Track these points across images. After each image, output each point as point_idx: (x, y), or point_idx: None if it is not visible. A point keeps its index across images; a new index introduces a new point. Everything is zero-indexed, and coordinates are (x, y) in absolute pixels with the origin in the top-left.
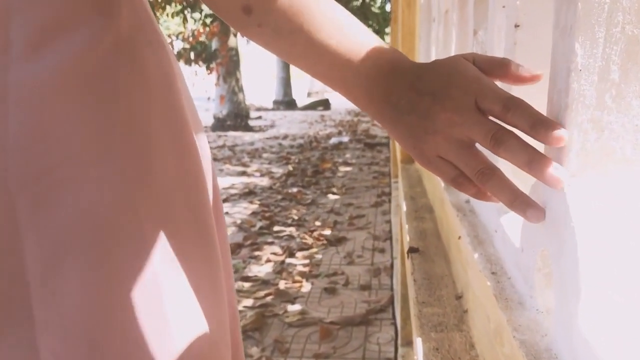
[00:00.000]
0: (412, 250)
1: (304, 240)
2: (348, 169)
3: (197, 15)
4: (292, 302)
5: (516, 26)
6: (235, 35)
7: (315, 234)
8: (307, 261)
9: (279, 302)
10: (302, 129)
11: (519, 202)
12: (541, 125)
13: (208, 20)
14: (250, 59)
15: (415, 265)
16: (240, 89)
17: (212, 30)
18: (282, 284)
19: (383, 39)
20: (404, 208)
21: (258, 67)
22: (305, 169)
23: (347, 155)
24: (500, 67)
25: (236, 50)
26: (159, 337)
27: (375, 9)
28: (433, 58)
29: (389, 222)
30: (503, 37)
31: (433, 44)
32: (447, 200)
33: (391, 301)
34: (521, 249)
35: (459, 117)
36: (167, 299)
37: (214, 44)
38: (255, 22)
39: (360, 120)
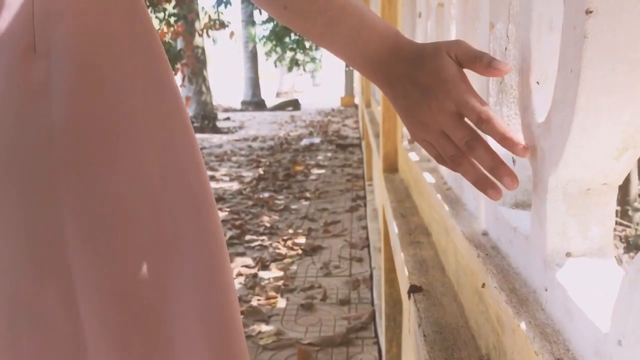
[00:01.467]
0: (414, 289)
1: (277, 250)
2: (321, 171)
3: (160, 14)
4: (266, 322)
5: (588, 12)
6: (201, 35)
7: (289, 242)
8: (281, 273)
9: (252, 321)
10: (272, 130)
11: (498, 169)
12: (507, 140)
13: (172, 20)
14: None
15: (422, 312)
16: (208, 90)
17: (176, 30)
18: (254, 301)
19: None
20: (395, 230)
21: (226, 67)
22: (276, 173)
23: (319, 157)
24: (477, 62)
25: (202, 50)
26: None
27: None
28: None
29: (365, 228)
30: (547, 29)
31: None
32: (458, 231)
33: (372, 317)
34: (617, 340)
35: (441, 118)
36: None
37: (179, 44)
38: (282, 4)
39: (330, 120)
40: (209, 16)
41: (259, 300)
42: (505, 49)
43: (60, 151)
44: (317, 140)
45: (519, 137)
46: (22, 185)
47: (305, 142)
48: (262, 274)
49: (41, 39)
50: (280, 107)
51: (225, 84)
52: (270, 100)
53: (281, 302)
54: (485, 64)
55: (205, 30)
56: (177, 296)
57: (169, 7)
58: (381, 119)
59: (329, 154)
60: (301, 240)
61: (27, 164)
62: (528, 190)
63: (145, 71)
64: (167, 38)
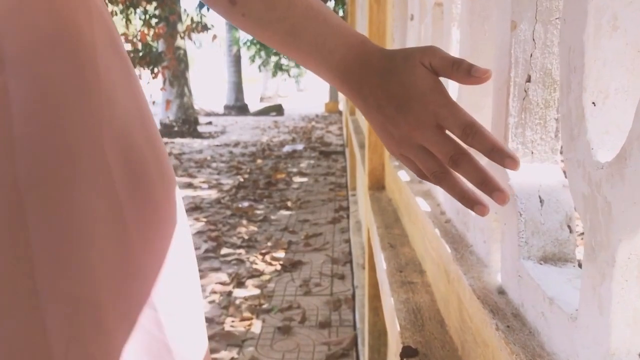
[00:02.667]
0: (408, 353)
1: (254, 265)
2: (303, 179)
3: (141, 15)
4: (240, 346)
5: None
6: (182, 38)
7: (268, 257)
8: (257, 291)
9: (225, 346)
10: (254, 136)
11: (487, 184)
12: (497, 152)
13: (153, 22)
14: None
15: None
16: (189, 93)
17: (157, 32)
18: (228, 323)
19: None
20: (384, 265)
21: (209, 71)
22: (257, 180)
23: (302, 165)
24: (454, 69)
25: (184, 53)
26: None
27: None
28: None
29: (347, 241)
30: (610, 29)
31: None
32: (465, 284)
33: (354, 343)
34: None
35: (421, 133)
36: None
37: (160, 46)
38: (240, 12)
39: (314, 126)
40: (192, 18)
41: (232, 321)
42: (531, 55)
43: (22, 167)
44: (300, 146)
45: (508, 148)
46: None
47: (287, 148)
48: (238, 291)
49: None
50: (264, 112)
51: (209, 88)
52: (254, 105)
53: (257, 325)
54: (463, 71)
55: (187, 33)
56: (137, 317)
57: (150, 8)
58: (367, 131)
59: (312, 162)
60: (280, 254)
61: None
62: (560, 240)
63: (111, 76)
64: (149, 39)
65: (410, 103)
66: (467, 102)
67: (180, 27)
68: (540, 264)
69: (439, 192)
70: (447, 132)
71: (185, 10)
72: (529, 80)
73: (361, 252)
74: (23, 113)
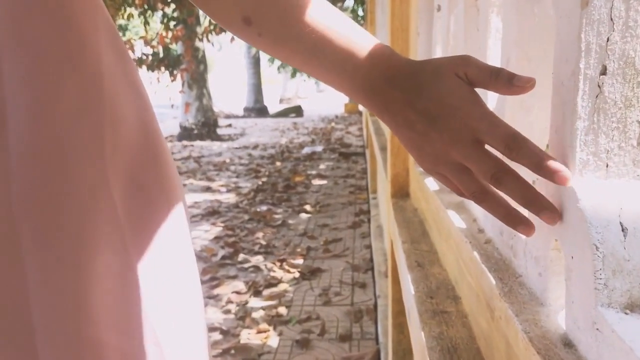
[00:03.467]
0: None
1: (272, 273)
2: (322, 182)
3: (160, 17)
4: None
5: None
6: (201, 40)
7: (286, 264)
8: (275, 301)
9: None
10: (273, 138)
11: (535, 203)
12: (546, 166)
13: (172, 24)
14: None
15: None
16: (208, 96)
17: (175, 35)
18: (244, 335)
19: None
20: (411, 289)
21: (229, 73)
22: (275, 183)
23: (321, 167)
24: (492, 79)
25: (203, 54)
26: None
27: (347, 14)
28: None
29: (369, 247)
30: None
31: (439, 44)
32: (516, 328)
33: (377, 358)
34: None
35: (457, 151)
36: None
37: (179, 49)
38: (256, 31)
39: (334, 127)
40: (209, 20)
41: (249, 333)
42: (607, 40)
43: (17, 190)
44: (319, 148)
45: (557, 162)
46: None
47: (307, 150)
48: (254, 301)
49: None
50: (283, 113)
51: (229, 90)
52: (273, 107)
53: (274, 337)
54: (504, 80)
55: (205, 35)
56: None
57: (169, 11)
58: (389, 134)
59: (331, 163)
60: (299, 261)
61: None
62: None
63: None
64: (167, 42)
65: (444, 117)
66: (510, 103)
67: (199, 29)
68: (626, 313)
69: (475, 206)
70: (487, 147)
71: None
72: (604, 72)
73: (383, 259)
74: (21, 129)
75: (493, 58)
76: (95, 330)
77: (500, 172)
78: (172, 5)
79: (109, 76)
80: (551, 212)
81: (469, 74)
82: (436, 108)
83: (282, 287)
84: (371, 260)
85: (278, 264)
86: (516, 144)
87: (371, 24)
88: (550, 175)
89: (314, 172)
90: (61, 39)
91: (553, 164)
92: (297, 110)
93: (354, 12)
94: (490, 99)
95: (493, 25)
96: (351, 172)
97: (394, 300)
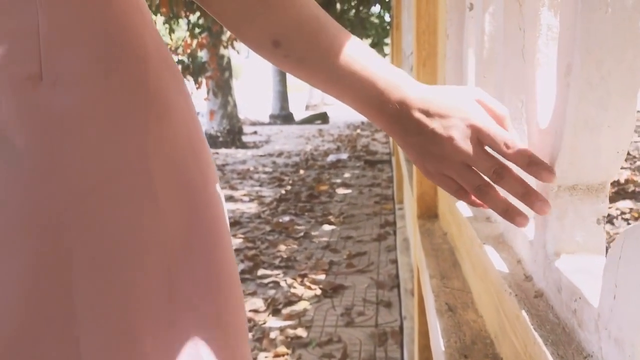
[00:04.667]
0: None
1: (292, 289)
2: (347, 191)
3: (184, 25)
4: None
5: None
6: (226, 47)
7: (307, 280)
8: (294, 322)
9: None
10: (298, 145)
11: (530, 196)
12: (536, 164)
13: (196, 31)
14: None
15: None
16: (234, 103)
17: (200, 42)
18: (261, 359)
19: (382, 50)
20: (440, 343)
21: (256, 80)
22: (299, 193)
23: (346, 175)
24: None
25: (228, 62)
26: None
27: (373, 19)
28: (471, 66)
29: (394, 262)
30: None
31: (472, 47)
32: None
33: None
34: None
35: (464, 149)
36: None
37: (204, 56)
38: (283, 53)
39: (359, 134)
40: None
41: (266, 357)
42: None
43: (66, 182)
44: (344, 156)
45: (545, 162)
46: (27, 219)
47: (331, 158)
48: (272, 321)
49: (48, 67)
50: (309, 120)
51: (256, 98)
52: (299, 114)
53: None
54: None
55: (230, 42)
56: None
57: (193, 18)
58: None
59: (357, 172)
60: (320, 276)
61: (33, 195)
62: None
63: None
64: (192, 50)
65: (454, 119)
66: (571, 118)
67: (224, 37)
68: None
69: (519, 244)
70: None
71: None
72: None
73: (409, 276)
74: (66, 131)
75: (545, 63)
76: (137, 324)
77: (501, 168)
78: (197, 13)
79: (155, 70)
80: (544, 203)
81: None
82: (446, 110)
83: (303, 305)
84: (397, 276)
85: (299, 279)
86: (512, 143)
87: (397, 28)
88: (538, 172)
89: (338, 181)
90: (109, 40)
91: (542, 162)
92: (323, 117)
93: (380, 17)
94: (542, 114)
95: (544, 22)
96: (377, 180)
97: (420, 322)
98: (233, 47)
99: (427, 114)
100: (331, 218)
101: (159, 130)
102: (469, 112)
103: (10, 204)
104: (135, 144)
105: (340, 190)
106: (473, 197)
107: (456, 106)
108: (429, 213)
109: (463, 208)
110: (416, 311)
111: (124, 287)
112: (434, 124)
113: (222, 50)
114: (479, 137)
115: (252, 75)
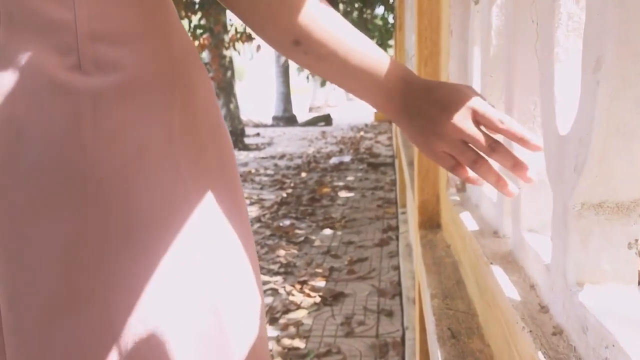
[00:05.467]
0: None
1: (290, 297)
2: (349, 194)
3: (185, 25)
4: None
5: None
6: (227, 49)
7: (306, 287)
8: (292, 331)
9: None
10: (301, 147)
11: (519, 166)
12: (524, 140)
13: (198, 32)
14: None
15: None
16: (236, 105)
17: (202, 43)
18: None
19: (386, 52)
20: None
21: (260, 82)
22: (300, 196)
23: (349, 178)
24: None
25: (231, 63)
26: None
27: (377, 21)
28: (476, 64)
29: (397, 268)
30: None
31: (477, 44)
32: None
33: None
34: None
35: (463, 128)
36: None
37: (205, 57)
38: (302, 50)
39: (363, 137)
40: (236, 29)
41: None
42: None
43: (100, 168)
44: (347, 158)
45: (532, 135)
46: (67, 198)
47: (334, 160)
48: (270, 330)
49: (86, 58)
50: (312, 122)
51: (259, 99)
52: (303, 115)
53: None
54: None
55: (232, 43)
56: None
57: (195, 19)
58: (416, 154)
59: (360, 174)
60: (320, 283)
61: (74, 174)
62: None
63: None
64: None
65: (454, 103)
66: (602, 124)
67: (226, 38)
68: None
69: (532, 266)
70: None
71: (230, 19)
72: None
73: (412, 283)
74: (94, 114)
75: (565, 58)
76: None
77: (495, 143)
78: (199, 14)
79: (181, 58)
80: (529, 172)
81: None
82: (448, 95)
83: (301, 313)
84: (399, 283)
85: (298, 286)
86: (507, 121)
87: (400, 29)
88: (527, 144)
89: (340, 184)
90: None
91: (530, 135)
92: (326, 119)
93: (383, 19)
94: (562, 118)
95: (564, 9)
96: (379, 183)
97: (421, 335)
98: (235, 48)
99: (429, 99)
100: (333, 222)
101: (184, 118)
102: (467, 96)
103: (54, 172)
104: (161, 130)
105: (343, 194)
106: (468, 174)
107: (456, 91)
108: (431, 222)
109: (468, 221)
110: (417, 323)
111: (152, 258)
112: (436, 107)
113: (225, 52)
114: (475, 118)
115: (257, 76)
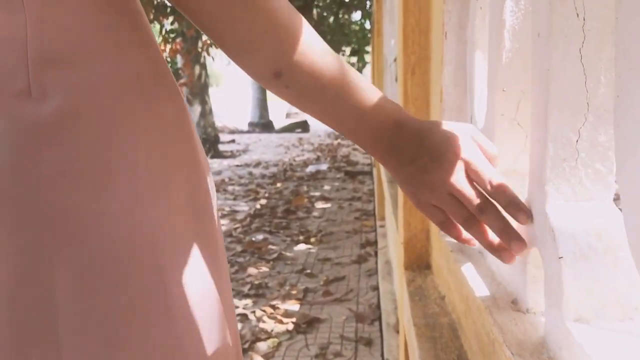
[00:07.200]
0: None
1: (261, 324)
2: (326, 205)
3: (156, 30)
4: None
5: None
6: (200, 53)
7: (279, 312)
8: None
9: None
10: (277, 155)
11: (506, 235)
12: (514, 207)
13: (170, 37)
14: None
15: None
16: (209, 111)
17: (174, 48)
18: None
19: (363, 58)
20: None
21: (237, 87)
22: (275, 207)
23: (326, 188)
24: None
25: (205, 69)
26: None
27: (354, 26)
28: (479, 75)
29: (376, 289)
30: None
31: (479, 47)
32: None
33: None
34: None
35: (454, 182)
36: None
37: (178, 62)
38: (283, 84)
39: (340, 144)
40: None
41: None
42: None
43: (51, 198)
44: (324, 166)
45: (524, 204)
46: (11, 232)
47: (311, 168)
48: None
49: (36, 82)
50: (289, 128)
51: (236, 105)
52: (279, 122)
53: None
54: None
55: (205, 48)
56: None
57: (167, 23)
58: None
59: (337, 184)
60: (294, 307)
61: (19, 209)
62: None
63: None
64: (165, 56)
65: (445, 153)
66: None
67: (200, 42)
68: None
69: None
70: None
71: None
72: None
73: (392, 307)
74: (58, 143)
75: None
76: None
77: (485, 203)
78: (171, 18)
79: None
80: (520, 242)
81: (475, 136)
82: (439, 144)
83: (272, 342)
84: (378, 306)
85: (270, 310)
86: (494, 186)
87: (378, 34)
88: (516, 213)
89: (317, 194)
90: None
91: (521, 203)
92: (303, 126)
93: (360, 25)
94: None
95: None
96: (357, 194)
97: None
98: (208, 54)
99: (421, 145)
100: (308, 237)
101: (148, 145)
102: (462, 147)
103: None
104: (121, 157)
105: (319, 205)
106: (458, 232)
107: (450, 139)
108: (419, 263)
109: (471, 276)
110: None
111: (105, 291)
112: (427, 155)
113: (198, 56)
114: (467, 172)
115: (234, 82)
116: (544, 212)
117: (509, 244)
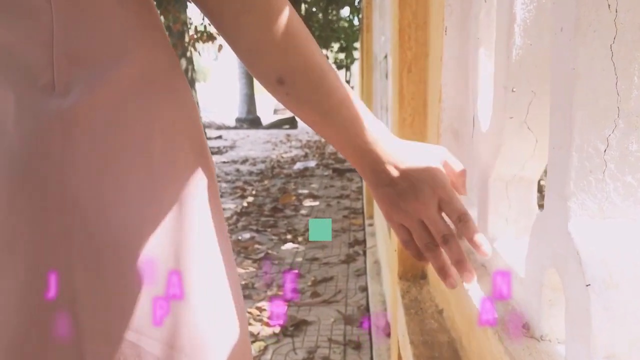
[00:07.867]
0: None
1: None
2: (314, 203)
3: None
4: None
5: None
6: (187, 48)
7: (266, 314)
8: None
9: None
10: (265, 151)
11: (461, 266)
12: (476, 240)
13: None
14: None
15: None
16: (197, 106)
17: None
18: None
19: (352, 55)
20: None
21: (225, 83)
22: (262, 205)
23: (313, 185)
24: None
25: (191, 63)
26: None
27: (342, 22)
28: (484, 73)
29: (364, 290)
30: None
31: (484, 43)
32: None
33: None
34: None
35: (425, 212)
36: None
37: None
38: (284, 91)
39: None
40: (195, 28)
41: None
42: None
43: (70, 188)
44: (312, 163)
45: (485, 240)
46: (31, 220)
47: (299, 165)
48: None
49: (60, 78)
50: (277, 125)
51: (223, 101)
52: (267, 118)
53: None
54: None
55: (191, 43)
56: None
57: None
58: None
59: (325, 181)
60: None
61: (38, 198)
62: None
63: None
64: None
65: (422, 185)
66: None
67: (187, 37)
68: None
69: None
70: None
71: (190, 18)
72: None
73: (381, 309)
74: (79, 138)
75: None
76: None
77: (449, 235)
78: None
79: (164, 70)
80: (470, 273)
81: (448, 160)
82: (418, 174)
83: (258, 346)
84: (367, 308)
85: (256, 312)
86: (465, 219)
87: (367, 30)
88: (477, 247)
89: (305, 192)
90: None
91: (482, 239)
92: (291, 122)
93: (349, 21)
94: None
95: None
96: (345, 191)
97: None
98: (195, 49)
99: (399, 172)
100: (296, 235)
101: (164, 139)
102: (436, 180)
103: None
104: (140, 155)
105: (307, 202)
106: (419, 252)
107: (426, 170)
108: (414, 272)
109: (474, 294)
110: None
111: (122, 279)
112: (404, 182)
113: (184, 51)
114: (440, 204)
115: (222, 77)
116: (565, 231)
117: (462, 274)
